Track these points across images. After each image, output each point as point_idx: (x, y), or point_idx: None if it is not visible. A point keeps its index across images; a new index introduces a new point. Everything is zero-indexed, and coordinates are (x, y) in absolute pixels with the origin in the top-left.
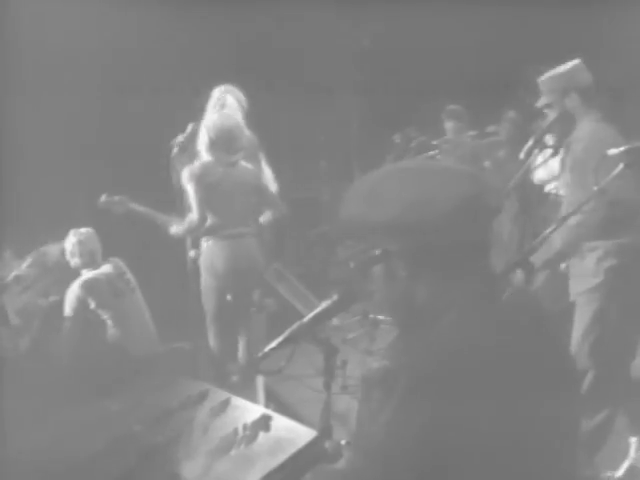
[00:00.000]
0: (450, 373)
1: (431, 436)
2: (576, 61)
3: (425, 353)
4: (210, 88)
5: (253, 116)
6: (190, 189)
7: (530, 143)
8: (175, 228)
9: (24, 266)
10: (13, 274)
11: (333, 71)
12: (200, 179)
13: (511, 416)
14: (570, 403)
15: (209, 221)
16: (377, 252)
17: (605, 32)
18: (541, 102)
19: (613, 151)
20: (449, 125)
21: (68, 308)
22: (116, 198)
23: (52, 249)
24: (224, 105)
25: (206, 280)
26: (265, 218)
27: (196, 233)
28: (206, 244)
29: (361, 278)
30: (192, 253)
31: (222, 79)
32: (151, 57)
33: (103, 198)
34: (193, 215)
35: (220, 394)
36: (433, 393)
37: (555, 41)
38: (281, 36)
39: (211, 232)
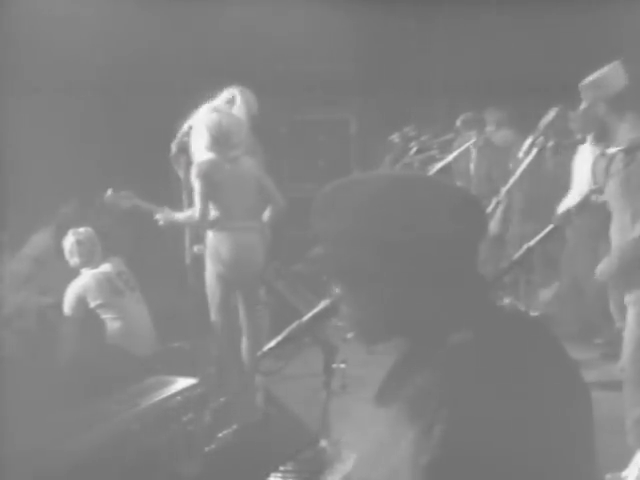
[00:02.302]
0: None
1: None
2: (612, 65)
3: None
4: (208, 88)
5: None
6: (197, 185)
7: (529, 142)
8: (165, 215)
9: (15, 260)
10: (8, 270)
11: (333, 71)
12: (207, 176)
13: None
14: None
15: (216, 214)
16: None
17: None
18: (582, 107)
19: (611, 150)
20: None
21: (67, 307)
22: (122, 193)
23: (37, 238)
24: (232, 104)
25: (211, 270)
26: (266, 213)
27: (196, 227)
28: (212, 234)
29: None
30: (196, 249)
31: (221, 78)
32: (150, 56)
33: (109, 193)
34: (195, 210)
35: (220, 394)
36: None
37: (556, 42)
38: (280, 35)
39: (217, 225)
